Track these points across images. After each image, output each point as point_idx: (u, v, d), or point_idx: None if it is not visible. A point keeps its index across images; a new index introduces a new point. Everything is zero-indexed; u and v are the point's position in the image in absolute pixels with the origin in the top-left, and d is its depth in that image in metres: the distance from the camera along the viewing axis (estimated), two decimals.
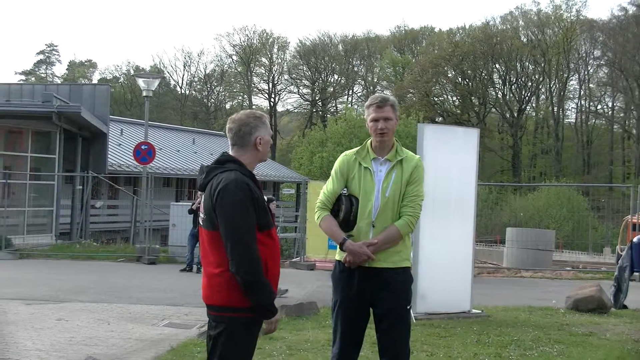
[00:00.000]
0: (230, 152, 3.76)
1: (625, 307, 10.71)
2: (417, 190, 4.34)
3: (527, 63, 63.88)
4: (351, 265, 4.25)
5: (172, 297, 11.72)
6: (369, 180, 4.31)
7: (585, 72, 63.76)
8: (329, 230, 4.38)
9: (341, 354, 4.34)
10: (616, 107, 63.96)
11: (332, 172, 4.49)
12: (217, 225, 3.55)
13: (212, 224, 3.59)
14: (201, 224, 3.72)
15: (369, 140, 4.45)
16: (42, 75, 77.67)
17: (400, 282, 4.29)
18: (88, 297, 11.44)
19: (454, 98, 66.92)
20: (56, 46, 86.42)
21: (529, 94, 64.79)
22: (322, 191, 4.48)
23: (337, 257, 4.39)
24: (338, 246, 4.35)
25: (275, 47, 73.19)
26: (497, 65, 63.96)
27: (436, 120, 60.89)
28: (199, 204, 3.85)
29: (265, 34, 73.15)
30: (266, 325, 3.61)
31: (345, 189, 4.42)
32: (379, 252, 4.22)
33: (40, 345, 7.18)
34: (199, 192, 3.96)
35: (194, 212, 15.75)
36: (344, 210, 4.33)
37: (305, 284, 13.57)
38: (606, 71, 62.37)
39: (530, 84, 64.34)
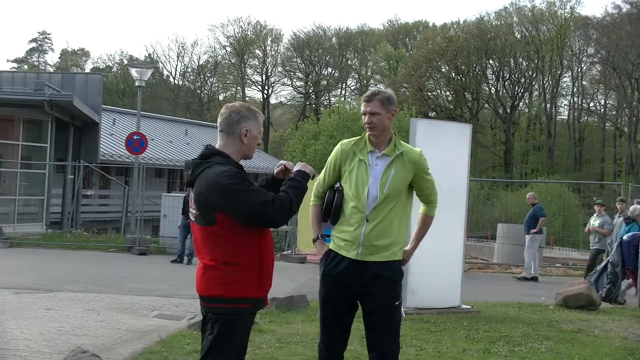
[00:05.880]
0: (218, 140, 3.75)
1: (615, 301, 10.89)
2: (432, 179, 4.47)
3: (521, 59, 63.87)
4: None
5: (163, 288, 11.71)
6: (363, 173, 4.29)
7: (579, 70, 63.78)
8: (311, 221, 4.55)
9: (327, 346, 4.35)
10: (608, 105, 63.99)
11: (327, 161, 4.52)
12: (212, 220, 3.53)
13: (205, 219, 3.57)
14: (193, 219, 3.70)
15: (367, 133, 4.41)
16: (35, 63, 77.09)
17: (390, 277, 4.26)
18: (78, 287, 11.41)
19: (447, 93, 66.83)
20: (49, 34, 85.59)
21: (522, 90, 64.79)
22: (317, 179, 4.54)
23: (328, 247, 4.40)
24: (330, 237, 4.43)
25: (269, 39, 72.97)
26: (491, 61, 63.91)
27: (429, 115, 60.82)
28: None
29: (259, 26, 72.92)
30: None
31: (339, 181, 4.44)
32: (369, 245, 4.21)
33: (29, 335, 7.16)
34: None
35: (185, 204, 15.73)
36: (325, 203, 4.39)
37: (295, 277, 13.59)
38: (599, 69, 62.33)
39: (523, 80, 64.35)
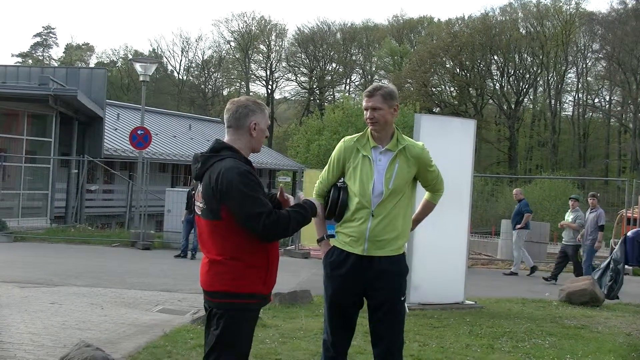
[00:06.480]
0: (225, 136, 3.73)
1: (617, 297, 10.87)
2: (437, 169, 4.48)
3: (526, 55, 63.84)
4: None
5: (166, 283, 11.73)
6: (368, 169, 4.27)
7: (584, 65, 63.71)
8: (314, 220, 4.41)
9: (333, 342, 4.33)
10: (613, 101, 63.97)
11: (330, 158, 4.47)
12: (219, 215, 3.52)
13: (212, 214, 3.55)
14: (199, 213, 3.68)
15: (369, 128, 4.40)
16: (39, 57, 77.19)
17: (396, 272, 4.26)
18: (82, 282, 11.43)
19: (452, 89, 66.83)
20: (53, 29, 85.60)
21: (526, 86, 64.75)
22: (319, 177, 4.50)
23: (332, 243, 4.38)
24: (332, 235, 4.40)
25: (274, 34, 73.00)
26: (496, 57, 63.88)
27: (433, 110, 60.80)
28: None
29: (263, 21, 72.98)
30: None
31: (342, 178, 4.41)
32: (375, 240, 4.20)
33: (33, 329, 7.17)
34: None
35: (189, 199, 15.74)
36: (330, 201, 4.34)
37: (299, 272, 13.59)
38: (604, 64, 62.29)
39: (528, 76, 64.30)
